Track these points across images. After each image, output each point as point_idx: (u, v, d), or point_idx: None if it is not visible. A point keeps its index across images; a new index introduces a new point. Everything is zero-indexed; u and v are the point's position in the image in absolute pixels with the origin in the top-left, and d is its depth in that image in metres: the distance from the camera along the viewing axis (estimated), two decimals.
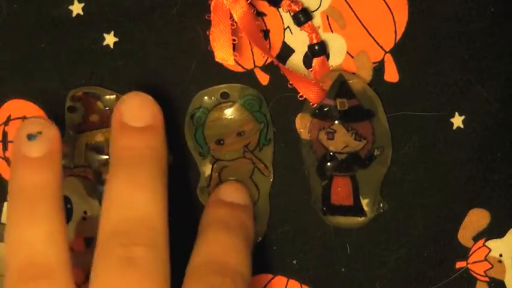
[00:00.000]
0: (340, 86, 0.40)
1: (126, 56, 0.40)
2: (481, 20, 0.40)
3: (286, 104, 0.41)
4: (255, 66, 0.41)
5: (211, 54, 0.39)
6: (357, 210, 0.41)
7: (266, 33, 0.40)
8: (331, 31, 0.41)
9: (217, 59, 0.39)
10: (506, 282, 0.43)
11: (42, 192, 0.34)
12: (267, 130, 0.41)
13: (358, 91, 0.40)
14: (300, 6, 0.40)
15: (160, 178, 0.35)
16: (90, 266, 0.34)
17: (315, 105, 0.40)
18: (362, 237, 0.42)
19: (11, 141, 0.41)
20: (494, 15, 0.40)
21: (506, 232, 0.42)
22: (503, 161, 0.41)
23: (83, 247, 0.41)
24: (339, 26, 0.41)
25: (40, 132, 0.35)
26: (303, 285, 0.42)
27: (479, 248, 0.42)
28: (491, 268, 0.42)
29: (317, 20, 0.40)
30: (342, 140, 0.40)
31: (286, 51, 0.41)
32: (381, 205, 0.41)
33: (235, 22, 0.39)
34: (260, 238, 0.41)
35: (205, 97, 0.40)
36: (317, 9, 0.40)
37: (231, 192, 0.39)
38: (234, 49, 0.39)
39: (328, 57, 0.41)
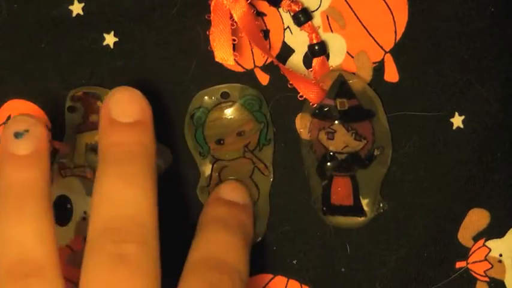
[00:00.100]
0: (340, 86, 0.40)
1: (126, 56, 0.40)
2: (481, 20, 0.40)
3: (286, 104, 0.41)
4: (255, 66, 0.41)
5: (211, 54, 0.39)
6: (357, 210, 0.41)
7: (266, 33, 0.40)
8: (331, 31, 0.41)
9: (217, 59, 0.39)
10: (506, 282, 0.43)
11: (30, 190, 0.34)
12: (267, 130, 0.41)
13: (358, 91, 0.40)
14: (300, 6, 0.40)
15: (150, 174, 0.34)
16: None
17: (315, 105, 0.40)
18: (362, 237, 0.42)
19: None
20: (494, 15, 0.40)
21: (506, 232, 0.42)
22: (503, 161, 0.41)
23: (82, 247, 0.41)
24: (339, 26, 0.41)
25: (27, 130, 0.35)
26: (303, 285, 0.42)
27: (479, 248, 0.42)
28: (491, 268, 0.42)
29: (317, 20, 0.40)
30: (342, 140, 0.40)
31: (286, 51, 0.41)
32: (381, 205, 0.41)
33: (235, 22, 0.39)
34: (260, 238, 0.41)
35: (206, 97, 0.40)
36: (317, 9, 0.40)
37: (231, 191, 0.39)
38: (234, 49, 0.39)
39: (328, 57, 0.41)
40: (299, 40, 0.40)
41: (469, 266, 0.42)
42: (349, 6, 0.40)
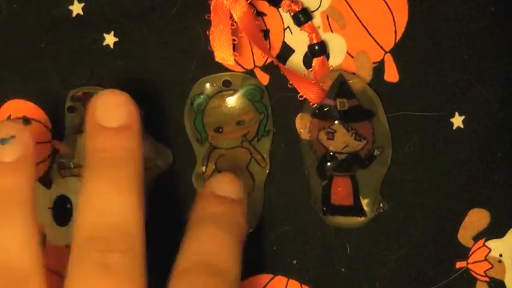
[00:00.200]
0: (340, 86, 0.40)
1: (126, 56, 0.40)
2: (481, 20, 0.40)
3: (286, 104, 0.41)
4: (255, 66, 0.41)
5: (211, 54, 0.39)
6: (357, 210, 0.41)
7: (266, 33, 0.40)
8: (331, 31, 0.41)
9: (217, 59, 0.39)
10: (506, 282, 0.43)
11: (16, 196, 0.33)
12: (267, 121, 0.41)
13: (358, 91, 0.40)
14: (300, 6, 0.40)
15: (137, 180, 0.34)
16: None
17: (315, 105, 0.40)
18: (362, 237, 0.42)
19: None
20: (494, 15, 0.40)
21: (506, 232, 0.42)
22: (503, 161, 0.41)
23: None
24: (339, 26, 0.41)
25: (13, 137, 0.34)
26: (303, 285, 0.42)
27: (479, 248, 0.42)
28: (491, 268, 0.42)
29: (317, 20, 0.40)
30: (342, 140, 0.40)
31: (286, 51, 0.41)
32: (381, 205, 0.41)
33: (235, 22, 0.39)
34: (252, 229, 0.41)
35: (207, 84, 0.40)
36: (317, 9, 0.40)
37: (225, 185, 0.37)
38: (234, 49, 0.39)
39: (328, 57, 0.41)
40: (299, 40, 0.40)
41: (469, 266, 0.42)
42: (349, 6, 0.40)
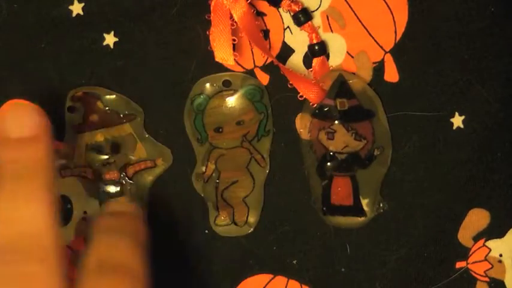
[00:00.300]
0: (340, 86, 0.40)
1: (126, 56, 0.40)
2: (481, 20, 0.40)
3: (286, 104, 0.41)
4: (255, 66, 0.41)
5: (211, 54, 0.39)
6: (357, 210, 0.41)
7: (266, 33, 0.40)
8: (331, 31, 0.41)
9: (217, 59, 0.39)
10: (506, 282, 0.43)
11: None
12: (267, 121, 0.41)
13: (358, 91, 0.40)
14: (300, 6, 0.40)
15: (47, 189, 0.33)
16: None
17: (315, 105, 0.40)
18: (362, 237, 0.42)
19: None
20: (494, 15, 0.40)
21: (506, 232, 0.42)
22: (503, 161, 0.41)
23: (83, 247, 0.41)
24: (339, 26, 0.41)
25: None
26: (303, 285, 0.42)
27: (479, 248, 0.42)
28: (491, 268, 0.42)
29: (317, 20, 0.40)
30: (342, 140, 0.40)
31: (286, 51, 0.41)
32: (381, 205, 0.41)
33: (235, 22, 0.39)
34: (252, 229, 0.41)
35: (207, 84, 0.40)
36: (317, 9, 0.40)
37: (119, 206, 0.39)
38: (234, 49, 0.39)
39: (328, 57, 0.41)
40: (299, 40, 0.40)
41: (469, 266, 0.42)
42: (349, 6, 0.40)
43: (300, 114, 0.41)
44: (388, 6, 0.40)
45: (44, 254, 0.33)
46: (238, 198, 0.41)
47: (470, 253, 0.42)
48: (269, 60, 0.40)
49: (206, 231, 0.42)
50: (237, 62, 0.40)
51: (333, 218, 0.41)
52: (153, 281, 0.42)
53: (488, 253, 0.42)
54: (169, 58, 0.40)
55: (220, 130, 0.41)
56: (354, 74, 0.41)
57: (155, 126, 0.41)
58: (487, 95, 0.41)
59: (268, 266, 0.42)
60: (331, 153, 0.41)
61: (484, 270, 0.42)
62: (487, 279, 0.42)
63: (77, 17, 0.40)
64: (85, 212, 0.41)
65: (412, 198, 0.41)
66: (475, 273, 0.42)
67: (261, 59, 0.41)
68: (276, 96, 0.41)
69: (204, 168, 0.41)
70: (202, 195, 0.41)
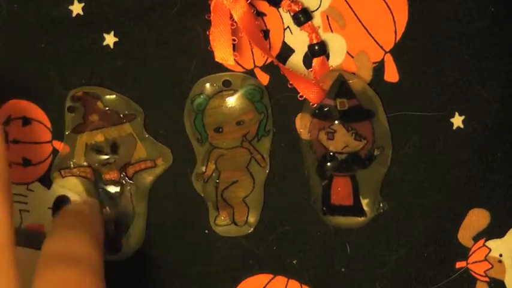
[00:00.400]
0: (340, 86, 0.40)
1: (126, 56, 0.40)
2: (481, 20, 0.40)
3: (286, 104, 0.41)
4: (255, 66, 0.41)
5: (211, 54, 0.39)
6: (357, 210, 0.41)
7: (266, 33, 0.40)
8: (331, 31, 0.41)
9: (217, 59, 0.39)
10: (506, 282, 0.43)
11: None
12: (267, 121, 0.41)
13: (358, 91, 0.40)
14: (300, 6, 0.40)
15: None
16: None
17: (315, 105, 0.40)
18: (362, 237, 0.42)
19: (11, 141, 0.41)
20: (494, 15, 0.40)
21: (506, 232, 0.42)
22: (503, 161, 0.41)
23: None
24: (339, 26, 0.41)
25: None
26: (303, 285, 0.42)
27: (479, 248, 0.42)
28: (491, 268, 0.42)
29: (317, 20, 0.40)
30: (342, 140, 0.40)
31: (286, 51, 0.41)
32: (381, 205, 0.41)
33: (235, 22, 0.39)
34: (252, 229, 0.41)
35: (207, 84, 0.40)
36: (317, 9, 0.40)
37: (74, 205, 0.41)
38: (234, 49, 0.39)
39: (328, 57, 0.41)
40: (299, 40, 0.40)
41: (469, 266, 0.42)
42: (349, 6, 0.40)
43: (300, 114, 0.41)
44: (388, 6, 0.40)
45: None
46: (238, 198, 0.41)
47: (470, 253, 0.42)
48: (269, 60, 0.40)
49: (206, 231, 0.42)
50: (237, 62, 0.40)
51: (333, 218, 0.41)
52: (153, 280, 0.42)
53: (488, 253, 0.42)
54: (169, 58, 0.40)
55: (220, 130, 0.41)
56: (354, 74, 0.41)
57: (155, 126, 0.41)
58: (487, 95, 0.41)
59: (268, 266, 0.42)
60: (331, 153, 0.41)
61: (484, 270, 0.42)
62: (487, 279, 0.42)
63: (77, 17, 0.40)
64: None
65: (412, 198, 0.41)
66: (475, 273, 0.42)
67: (261, 59, 0.41)
68: (276, 96, 0.41)
69: (204, 168, 0.41)
70: (202, 195, 0.41)
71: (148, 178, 0.41)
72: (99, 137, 0.41)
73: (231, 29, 0.38)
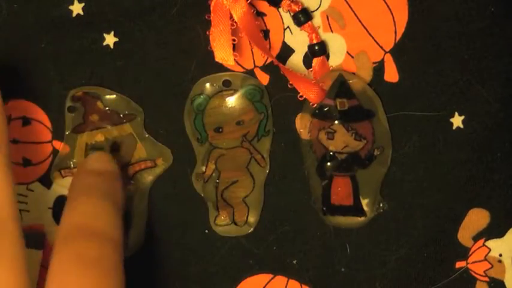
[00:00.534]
0: (340, 86, 0.40)
1: (126, 56, 0.40)
2: (481, 20, 0.40)
3: (286, 104, 0.41)
4: (255, 66, 0.41)
5: (211, 54, 0.39)
6: (357, 210, 0.41)
7: (266, 33, 0.40)
8: (331, 31, 0.41)
9: (217, 59, 0.39)
10: (506, 282, 0.43)
11: None
12: (267, 121, 0.41)
13: (358, 91, 0.40)
14: (300, 6, 0.40)
15: (1, 160, 0.33)
16: None
17: (315, 105, 0.40)
18: (362, 237, 0.42)
19: (11, 141, 0.41)
20: (494, 15, 0.40)
21: (506, 232, 0.42)
22: (503, 161, 0.41)
23: None
24: (339, 26, 0.41)
25: None
26: (303, 285, 0.42)
27: (479, 248, 0.42)
28: (491, 268, 0.42)
29: (317, 20, 0.40)
30: (342, 140, 0.40)
31: (286, 51, 0.41)
32: (381, 205, 0.41)
33: (235, 22, 0.39)
34: (252, 229, 0.41)
35: (207, 84, 0.40)
36: (317, 9, 0.40)
37: (95, 162, 0.39)
38: (234, 49, 0.39)
39: (328, 57, 0.41)
40: (299, 40, 0.40)
41: (469, 266, 0.42)
42: (349, 6, 0.40)
43: (300, 114, 0.41)
44: (388, 6, 0.40)
45: (1, 227, 0.32)
46: (238, 198, 0.41)
47: (470, 253, 0.42)
48: (269, 60, 0.40)
49: (206, 231, 0.42)
50: (237, 62, 0.40)
51: (333, 218, 0.41)
52: (153, 280, 0.42)
53: (488, 253, 0.42)
54: (169, 58, 0.40)
55: (220, 130, 0.41)
56: (354, 74, 0.41)
57: (155, 126, 0.41)
58: (487, 95, 0.41)
59: (268, 266, 0.42)
60: (331, 153, 0.41)
61: (483, 270, 0.42)
62: (486, 279, 0.42)
63: (77, 17, 0.40)
64: None
65: (412, 198, 0.41)
66: (474, 273, 0.42)
67: (261, 59, 0.41)
68: (276, 96, 0.41)
69: (204, 168, 0.41)
70: (202, 195, 0.41)
71: (148, 178, 0.41)
72: (99, 137, 0.41)
73: (231, 29, 0.38)
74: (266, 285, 0.42)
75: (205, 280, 0.42)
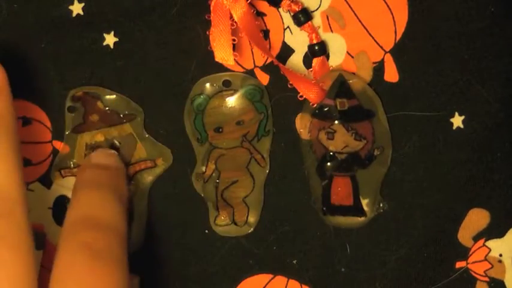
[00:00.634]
0: (340, 86, 0.40)
1: (126, 56, 0.40)
2: (481, 20, 0.40)
3: (286, 104, 0.41)
4: (255, 66, 0.41)
5: (211, 54, 0.39)
6: (357, 210, 0.41)
7: (266, 33, 0.40)
8: (331, 31, 0.41)
9: (217, 59, 0.39)
10: (506, 282, 0.43)
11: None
12: (267, 121, 0.41)
13: (358, 91, 0.40)
14: (300, 6, 0.40)
15: (8, 144, 0.33)
16: None
17: (315, 105, 0.40)
18: (362, 237, 0.42)
19: None
20: (494, 15, 0.40)
21: (506, 232, 0.42)
22: (503, 161, 0.41)
23: None
24: (339, 26, 0.41)
25: None
26: (303, 285, 0.42)
27: (479, 248, 0.42)
28: (491, 268, 0.42)
29: (317, 20, 0.40)
30: (342, 140, 0.40)
31: (286, 51, 0.41)
32: (381, 205, 0.41)
33: (235, 22, 0.39)
34: (252, 229, 0.41)
35: (207, 84, 0.40)
36: (317, 9, 0.40)
37: (101, 157, 0.39)
38: (234, 49, 0.39)
39: (328, 57, 0.41)
40: (299, 40, 0.40)
41: (469, 266, 0.42)
42: (349, 6, 0.40)
43: (300, 114, 0.41)
44: (388, 6, 0.40)
45: (8, 210, 0.32)
46: (238, 198, 0.41)
47: (470, 253, 0.42)
48: (269, 60, 0.40)
49: (206, 231, 0.42)
50: (237, 62, 0.40)
51: (333, 218, 0.41)
52: (153, 280, 0.42)
53: (488, 253, 0.42)
54: (169, 58, 0.40)
55: (220, 130, 0.41)
56: (354, 74, 0.41)
57: (155, 126, 0.41)
58: (487, 95, 0.41)
59: (268, 266, 0.42)
60: (331, 153, 0.41)
61: (484, 270, 0.42)
62: (486, 279, 0.42)
63: (77, 17, 0.40)
64: None
65: (412, 198, 0.41)
66: (475, 273, 0.42)
67: (261, 59, 0.41)
68: (276, 96, 0.41)
69: (204, 168, 0.41)
70: (202, 195, 0.41)
71: (148, 178, 0.41)
72: (99, 137, 0.41)
73: (231, 29, 0.38)
74: (266, 285, 0.42)
75: (205, 280, 0.42)
